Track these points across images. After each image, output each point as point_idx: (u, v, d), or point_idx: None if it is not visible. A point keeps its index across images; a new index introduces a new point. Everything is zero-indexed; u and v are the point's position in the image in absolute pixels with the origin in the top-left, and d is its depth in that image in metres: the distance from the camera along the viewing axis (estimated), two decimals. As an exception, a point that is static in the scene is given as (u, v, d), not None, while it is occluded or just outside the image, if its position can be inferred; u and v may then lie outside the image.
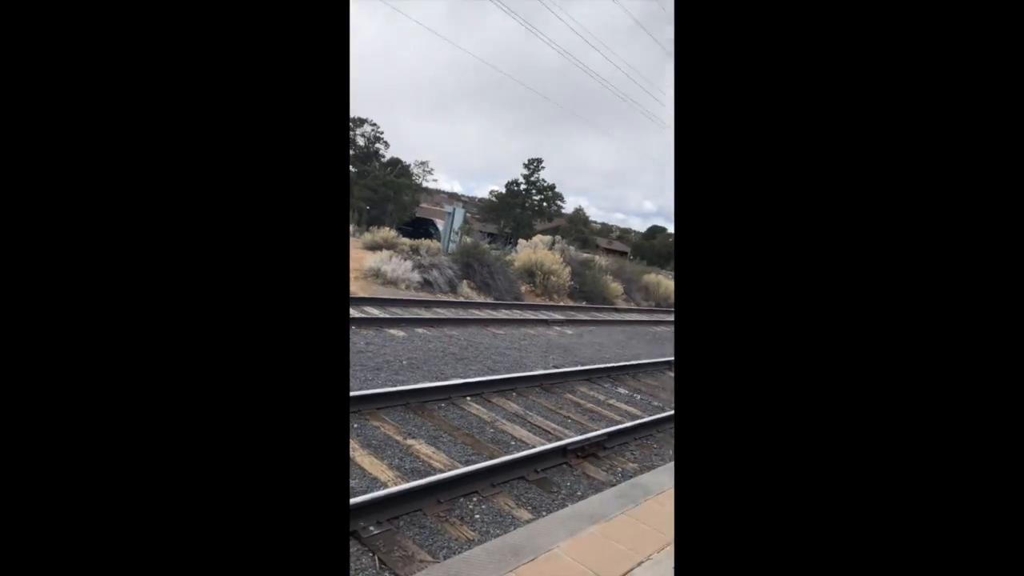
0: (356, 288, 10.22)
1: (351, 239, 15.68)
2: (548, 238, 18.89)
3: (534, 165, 31.25)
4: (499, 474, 3.23)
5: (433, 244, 14.82)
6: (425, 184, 28.86)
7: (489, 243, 24.06)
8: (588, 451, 3.88)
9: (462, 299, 11.71)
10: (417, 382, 4.76)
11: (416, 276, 11.98)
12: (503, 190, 32.00)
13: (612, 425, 4.55)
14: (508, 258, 14.79)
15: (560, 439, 4.01)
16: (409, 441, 3.57)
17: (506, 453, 3.63)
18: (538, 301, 14.06)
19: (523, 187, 31.43)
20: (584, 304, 14.65)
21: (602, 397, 5.43)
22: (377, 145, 27.36)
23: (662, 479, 2.99)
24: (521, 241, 19.34)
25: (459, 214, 15.34)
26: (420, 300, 9.45)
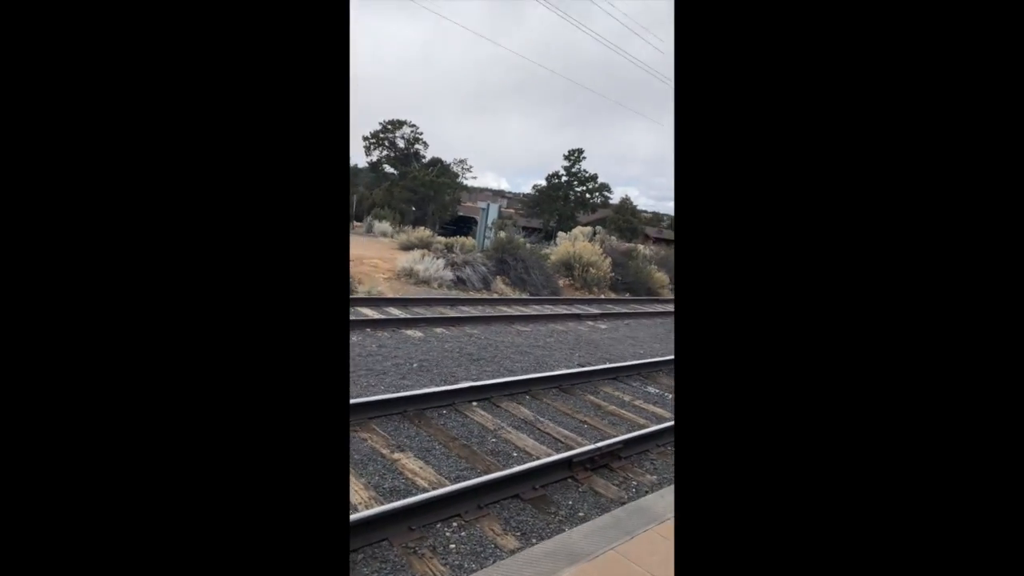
0: (385, 288, 10.10)
1: (389, 240, 15.69)
2: (588, 229, 18.30)
3: (575, 156, 30.52)
4: (488, 493, 2.86)
5: (468, 241, 14.58)
6: (466, 182, 28.76)
7: (527, 238, 23.71)
8: (599, 462, 3.44)
9: (495, 296, 11.40)
10: (423, 387, 4.45)
11: (448, 274, 11.76)
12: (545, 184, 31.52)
13: (634, 430, 4.09)
14: (544, 252, 14.33)
15: (571, 448, 3.59)
16: (396, 455, 3.25)
17: (504, 467, 3.26)
18: (577, 295, 13.58)
19: (564, 179, 30.78)
20: (626, 296, 14.06)
21: (627, 398, 4.96)
22: (416, 146, 27.44)
23: (671, 501, 2.54)
24: (560, 234, 18.85)
25: (493, 209, 15.04)
26: (448, 299, 9.19)
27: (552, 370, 5.44)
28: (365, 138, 27.01)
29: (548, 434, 3.89)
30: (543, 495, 3.03)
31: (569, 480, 3.25)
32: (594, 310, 10.03)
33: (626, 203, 49.91)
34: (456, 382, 4.70)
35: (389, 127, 26.83)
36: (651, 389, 5.35)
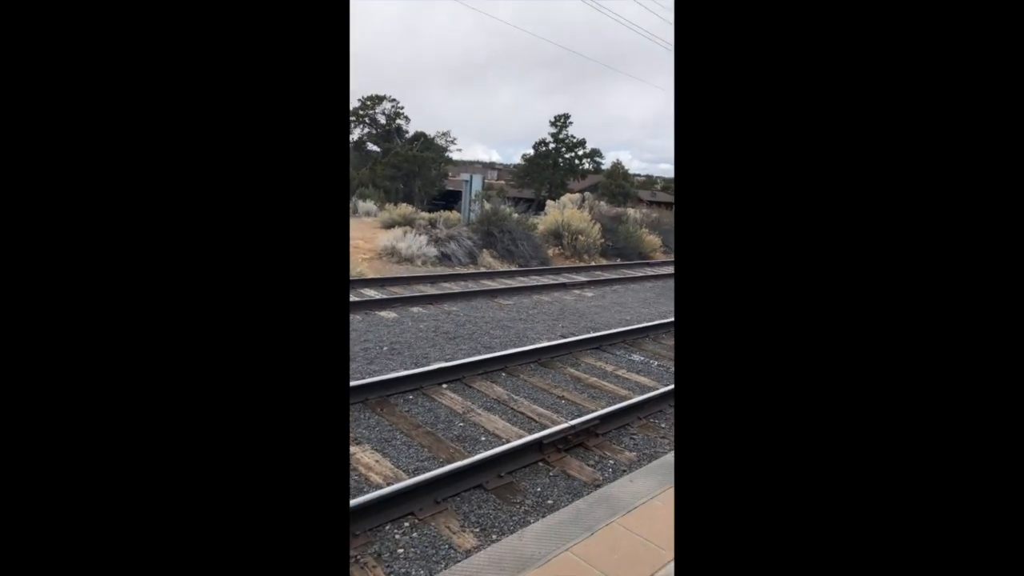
0: (366, 268, 9.79)
1: (373, 219, 15.30)
2: (577, 196, 17.87)
3: (561, 121, 29.76)
4: (447, 486, 2.61)
5: (453, 216, 14.20)
6: (453, 155, 28.13)
7: (516, 208, 23.19)
8: (573, 441, 3.20)
9: (483, 269, 11.10)
10: (391, 371, 4.19)
11: (432, 251, 11.43)
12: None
13: (614, 402, 3.84)
14: (532, 221, 13.97)
15: (545, 427, 3.35)
16: (352, 449, 3.00)
17: (470, 454, 3.01)
18: (567, 264, 13.28)
19: (552, 146, 30.09)
20: (617, 261, 13.77)
21: (610, 368, 4.71)
22: (398, 121, 26.73)
23: (641, 486, 2.29)
24: (549, 202, 18.43)
25: (477, 181, 14.60)
26: (429, 276, 8.88)
27: (532, 344, 5.18)
28: (345, 116, 26.23)
29: (522, 413, 3.64)
30: (510, 483, 2.79)
31: (540, 464, 3.00)
32: (582, 278, 9.74)
33: (618, 167, 49.14)
34: (428, 364, 4.44)
35: (368, 103, 26.08)
36: (635, 357, 5.09)
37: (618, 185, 40.12)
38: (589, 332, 5.82)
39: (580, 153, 30.57)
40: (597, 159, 32.39)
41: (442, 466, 2.77)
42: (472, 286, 8.22)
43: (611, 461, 3.10)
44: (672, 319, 6.41)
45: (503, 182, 43.85)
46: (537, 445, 3.05)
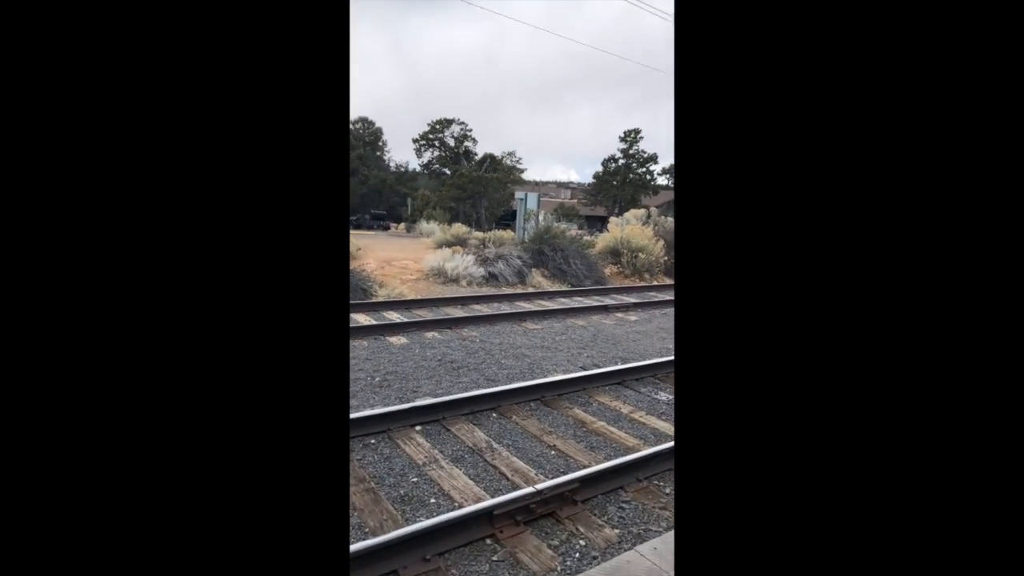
0: (407, 290, 9.54)
1: (429, 239, 15.23)
2: (642, 212, 16.91)
3: (632, 137, 28.80)
4: (351, 571, 2.05)
5: (506, 234, 13.81)
6: (521, 174, 27.95)
7: (586, 226, 22.45)
8: (538, 511, 2.54)
9: (530, 290, 10.54)
10: (367, 408, 3.72)
11: (479, 271, 11.04)
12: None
13: (615, 456, 3.13)
14: (587, 239, 13.26)
15: (519, 488, 2.72)
16: (268, 508, 2.52)
17: (407, 522, 2.44)
18: (626, 283, 12.43)
19: (621, 162, 29.15)
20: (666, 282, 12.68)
21: (626, 409, 3.96)
22: (466, 143, 26.98)
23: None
24: (612, 219, 17.61)
25: (531, 199, 14.12)
26: (464, 296, 8.44)
27: (542, 377, 4.53)
28: (415, 140, 26.93)
29: (495, 468, 3.02)
30: (435, 569, 2.18)
31: (486, 541, 2.37)
32: (632, 299, 8.92)
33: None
34: (413, 399, 3.93)
35: (437, 127, 26.55)
36: (662, 396, 4.30)
37: (697, 200, 38.20)
38: (617, 363, 5.08)
39: (652, 168, 29.35)
40: (672, 175, 31.15)
41: (357, 540, 2.22)
42: (505, 308, 7.67)
43: (582, 541, 2.41)
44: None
45: (575, 201, 43.36)
46: (486, 516, 2.42)
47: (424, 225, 19.40)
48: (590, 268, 12.39)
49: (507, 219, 26.20)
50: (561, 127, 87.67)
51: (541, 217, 13.01)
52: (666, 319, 7.44)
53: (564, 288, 10.96)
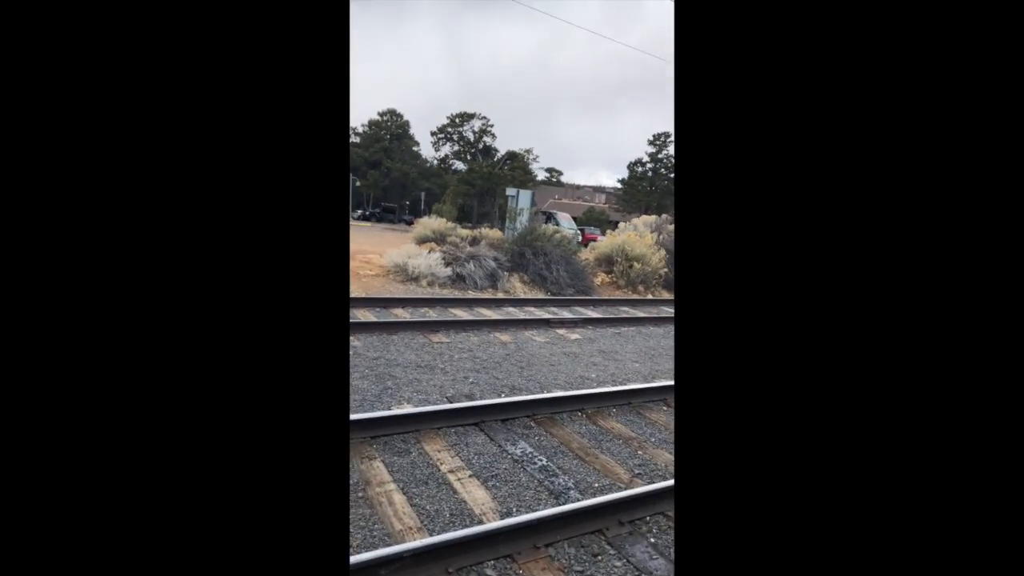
0: (357, 288, 8.63)
1: (410, 234, 14.34)
2: (653, 218, 15.57)
3: (661, 140, 27.28)
4: None
5: (494, 233, 12.78)
6: (537, 175, 26.87)
7: (612, 230, 21.15)
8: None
9: (500, 295, 9.49)
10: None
11: (445, 271, 10.04)
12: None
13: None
14: (577, 244, 12.08)
15: None
16: None
17: None
18: (616, 295, 11.21)
19: (649, 166, 27.65)
20: (668, 298, 11.36)
21: (447, 466, 2.87)
22: (485, 139, 26.07)
23: None
24: (621, 224, 16.33)
25: (524, 197, 13.06)
26: (415, 298, 7.45)
27: (379, 409, 3.49)
28: (432, 133, 26.21)
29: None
30: None
31: None
32: (595, 313, 7.74)
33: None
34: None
35: (457, 120, 25.76)
36: (519, 447, 3.16)
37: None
38: (502, 394, 3.99)
39: (681, 175, 27.75)
40: None
41: None
42: (432, 315, 6.63)
43: None
44: (656, 383, 4.34)
45: (607, 205, 41.96)
46: None
47: (426, 220, 18.57)
48: (575, 275, 11.22)
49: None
50: (610, 132, 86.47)
51: (525, 217, 11.89)
52: (616, 340, 6.25)
53: (538, 296, 9.86)
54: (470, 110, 26.38)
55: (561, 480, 2.84)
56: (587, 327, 6.73)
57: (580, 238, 21.60)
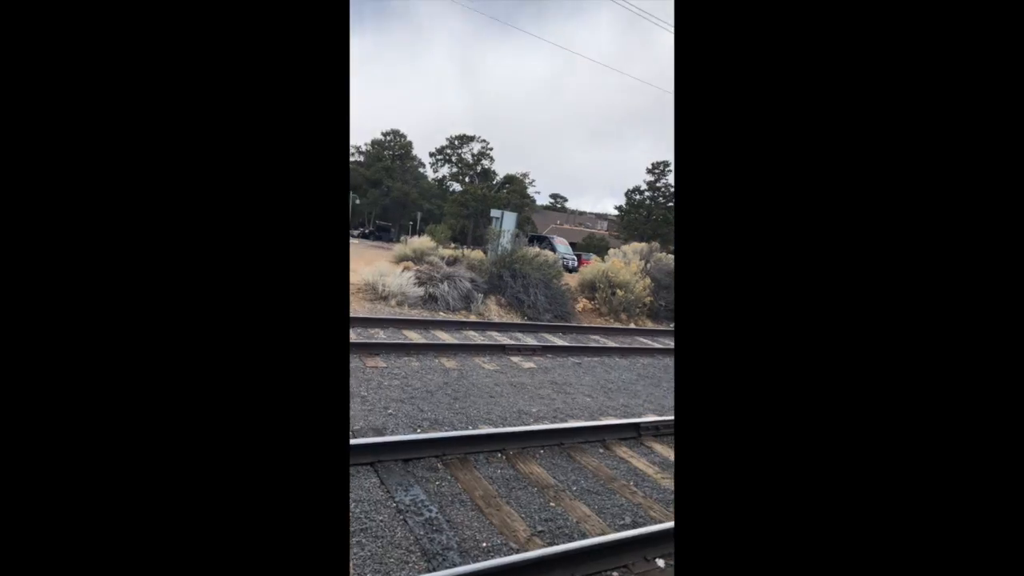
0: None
1: (391, 252, 14.04)
2: (644, 246, 15.22)
3: (659, 169, 27.08)
4: None
5: (476, 255, 12.44)
6: (537, 200, 26.68)
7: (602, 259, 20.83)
8: None
9: (472, 318, 9.09)
10: None
11: (417, 291, 9.68)
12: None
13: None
14: (560, 268, 11.70)
15: None
16: None
17: None
18: (597, 322, 10.80)
19: (647, 194, 27.40)
20: (663, 326, 11.01)
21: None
22: (483, 162, 25.96)
23: None
24: (611, 251, 16.00)
25: (509, 219, 12.75)
26: (377, 318, 7.07)
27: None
28: (431, 154, 26.16)
29: None
30: None
31: None
32: (562, 341, 7.32)
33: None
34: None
35: (456, 142, 25.70)
36: (410, 496, 2.73)
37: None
38: (417, 430, 3.58)
39: (679, 204, 27.52)
40: None
41: None
42: (380, 336, 6.24)
43: None
44: (599, 422, 3.92)
45: (607, 232, 41.84)
46: None
47: (415, 239, 18.31)
48: (554, 300, 10.83)
49: (532, 240, 24.94)
50: (618, 160, 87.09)
51: (505, 240, 11.55)
52: (574, 371, 5.82)
53: (512, 320, 9.46)
54: (480, 134, 26.42)
55: (444, 537, 2.41)
56: (546, 355, 6.31)
57: (576, 263, 21.27)
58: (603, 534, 2.57)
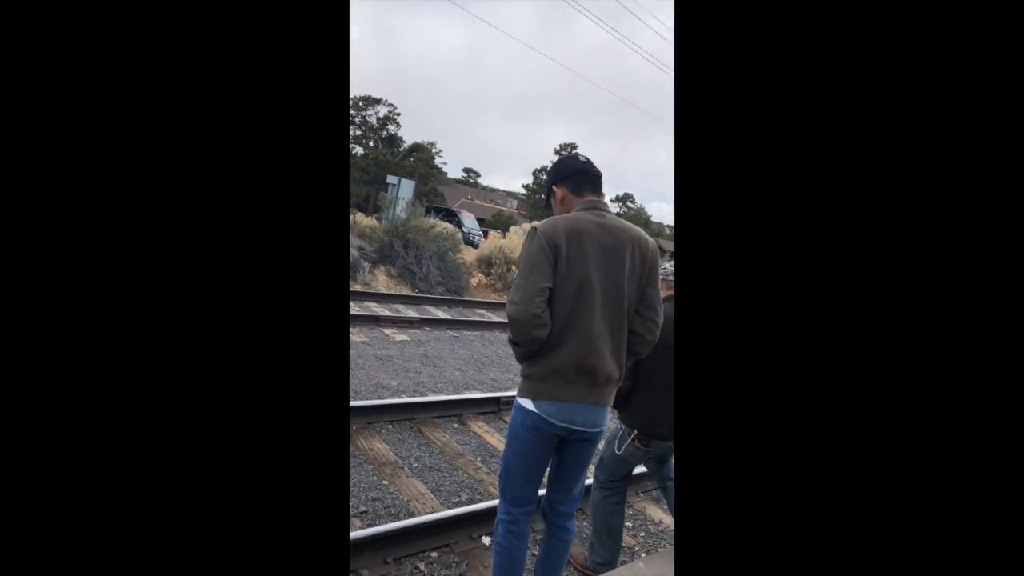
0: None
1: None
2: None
3: (566, 151, 27.51)
4: None
5: (370, 222, 11.87)
6: (447, 170, 26.08)
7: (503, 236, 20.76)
8: None
9: (357, 288, 8.64)
10: None
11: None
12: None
13: None
14: (455, 241, 11.47)
15: None
16: None
17: None
18: (492, 297, 10.72)
19: (553, 175, 27.79)
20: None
21: None
22: (390, 127, 24.88)
23: None
24: (512, 228, 16.02)
25: (406, 186, 12.26)
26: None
27: None
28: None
29: None
30: None
31: None
32: (443, 314, 7.14)
33: (640, 214, 47.27)
34: None
35: (360, 103, 24.38)
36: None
37: (636, 230, 37.78)
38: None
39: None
40: (629, 204, 30.56)
41: None
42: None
43: None
44: (446, 396, 3.77)
45: (516, 211, 42.07)
46: None
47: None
48: (448, 274, 10.61)
49: (439, 212, 24.24)
50: (534, 142, 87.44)
51: (399, 208, 11.11)
52: (449, 344, 5.67)
53: (400, 292, 9.12)
54: (388, 98, 25.11)
55: None
56: (423, 328, 6.10)
57: (482, 239, 21.08)
58: (433, 512, 2.43)
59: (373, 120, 24.70)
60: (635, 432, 2.12)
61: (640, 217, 42.50)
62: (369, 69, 62.47)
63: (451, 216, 25.29)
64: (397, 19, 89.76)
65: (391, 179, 12.39)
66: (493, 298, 10.76)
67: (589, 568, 2.23)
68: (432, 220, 11.42)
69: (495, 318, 7.59)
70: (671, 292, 2.25)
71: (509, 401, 3.95)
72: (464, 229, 19.10)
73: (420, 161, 24.65)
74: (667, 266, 2.33)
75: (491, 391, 4.36)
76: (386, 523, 2.24)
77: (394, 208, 11.52)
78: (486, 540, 2.33)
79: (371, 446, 3.02)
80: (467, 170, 48.32)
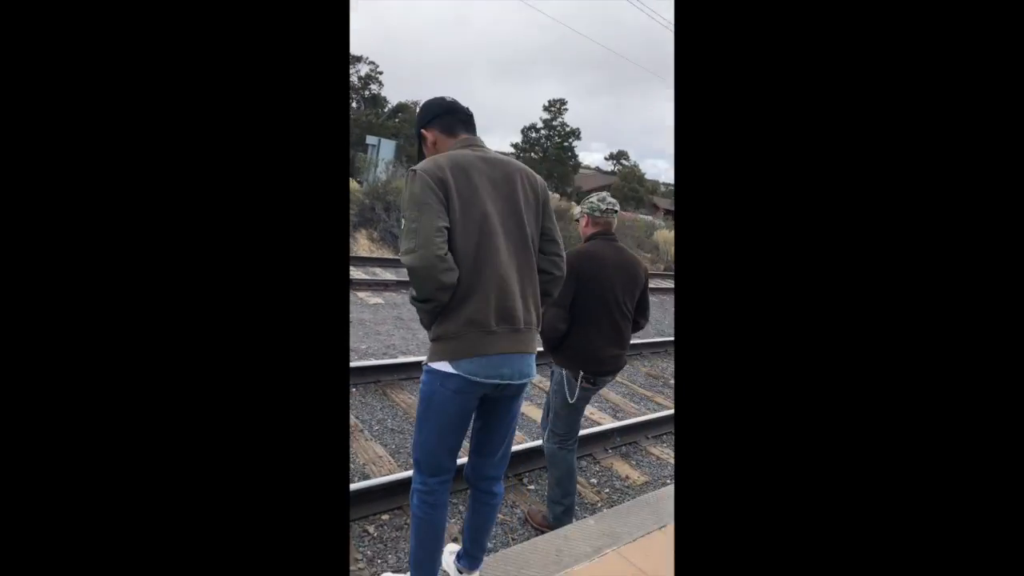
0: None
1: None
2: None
3: (556, 107, 26.81)
4: None
5: (352, 185, 11.60)
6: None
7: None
8: None
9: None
10: None
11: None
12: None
13: None
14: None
15: None
16: None
17: None
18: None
19: (543, 132, 27.14)
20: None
21: None
22: (372, 86, 24.15)
23: None
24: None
25: (387, 147, 11.93)
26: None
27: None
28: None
29: None
30: None
31: None
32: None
33: (634, 171, 46.62)
34: None
35: (341, 63, 23.57)
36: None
37: (632, 188, 37.29)
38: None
39: (573, 144, 27.55)
40: (624, 162, 30.02)
41: None
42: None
43: None
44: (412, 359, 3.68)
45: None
46: None
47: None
48: (432, 236, 10.44)
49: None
50: (525, 99, 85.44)
51: (381, 170, 10.83)
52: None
53: (384, 256, 8.98)
54: (369, 56, 24.21)
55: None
56: (399, 291, 6.00)
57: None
58: (390, 474, 2.38)
59: (354, 79, 23.97)
60: (582, 374, 2.06)
61: (634, 175, 42.00)
62: (351, 28, 60.26)
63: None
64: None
65: (370, 139, 12.04)
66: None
67: (550, 523, 2.19)
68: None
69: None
70: (597, 228, 2.16)
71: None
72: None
73: (406, 122, 24.06)
74: (593, 199, 2.22)
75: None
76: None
77: (374, 170, 11.23)
78: (442, 501, 2.28)
79: (332, 410, 2.95)
80: (456, 131, 47.38)
